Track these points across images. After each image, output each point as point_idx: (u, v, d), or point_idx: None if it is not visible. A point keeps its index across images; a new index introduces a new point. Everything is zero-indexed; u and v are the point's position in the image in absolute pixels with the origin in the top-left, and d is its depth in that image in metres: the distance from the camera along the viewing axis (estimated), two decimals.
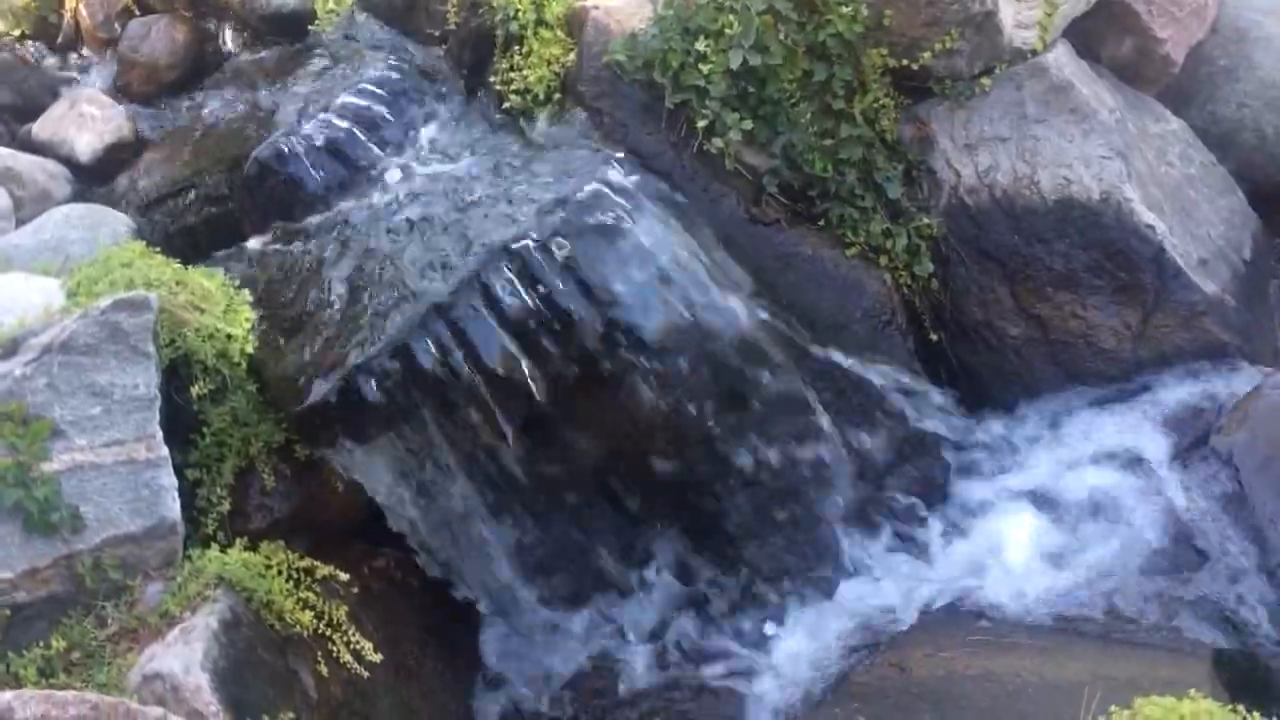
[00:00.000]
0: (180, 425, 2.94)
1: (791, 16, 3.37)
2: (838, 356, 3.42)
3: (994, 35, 3.40)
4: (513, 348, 3.03)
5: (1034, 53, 3.49)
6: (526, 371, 3.03)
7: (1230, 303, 3.44)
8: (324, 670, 2.80)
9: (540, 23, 3.61)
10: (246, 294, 3.21)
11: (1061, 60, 3.50)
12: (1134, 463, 3.24)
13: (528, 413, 3.13)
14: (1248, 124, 3.91)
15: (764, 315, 3.29)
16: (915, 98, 3.59)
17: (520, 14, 3.61)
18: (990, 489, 3.34)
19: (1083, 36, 3.67)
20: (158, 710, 2.31)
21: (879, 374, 3.45)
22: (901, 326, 3.51)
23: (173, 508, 2.72)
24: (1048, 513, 3.19)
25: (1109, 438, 3.30)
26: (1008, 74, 3.50)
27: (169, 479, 2.74)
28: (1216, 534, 2.98)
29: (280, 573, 2.82)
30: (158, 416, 2.76)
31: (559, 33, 3.61)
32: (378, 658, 2.89)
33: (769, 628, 3.25)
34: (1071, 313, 3.44)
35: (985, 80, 3.50)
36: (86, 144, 4.27)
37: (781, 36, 3.36)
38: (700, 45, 3.36)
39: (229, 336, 2.99)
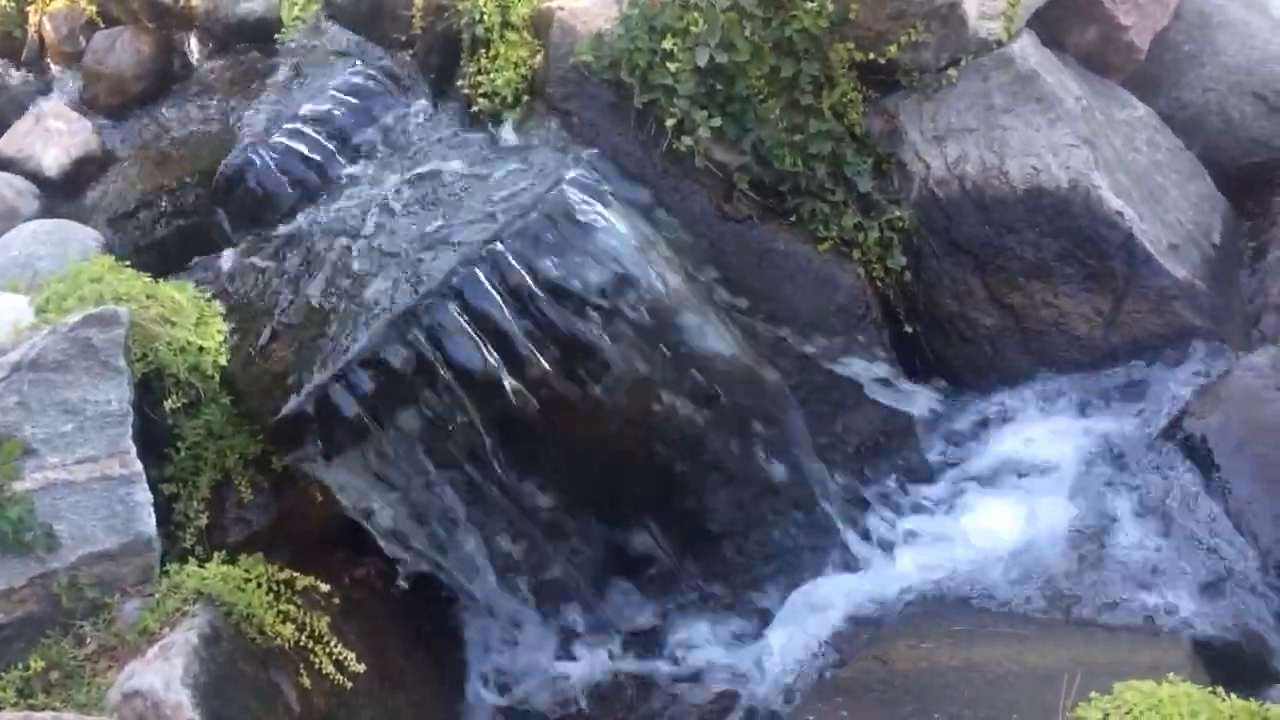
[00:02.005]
0: (154, 440, 2.93)
1: (757, 13, 3.37)
2: (814, 350, 3.43)
3: (959, 27, 3.41)
4: (489, 352, 3.02)
5: (999, 43, 3.50)
6: (503, 376, 3.02)
7: (1201, 287, 3.47)
8: (306, 682, 2.78)
9: (506, 25, 3.61)
10: (218, 306, 3.20)
11: (1027, 50, 3.51)
12: (1110, 447, 3.26)
13: (506, 417, 3.12)
14: (1213, 108, 3.93)
15: (736, 310, 3.29)
16: (883, 91, 3.59)
17: (486, 17, 3.61)
18: (968, 478, 3.35)
19: (1047, 26, 3.69)
20: None
21: (856, 366, 3.46)
22: (876, 320, 3.52)
23: (148, 523, 2.70)
24: (1026, 500, 3.21)
25: (1084, 423, 3.33)
26: (974, 65, 3.51)
27: (144, 494, 2.72)
28: (1192, 517, 2.99)
29: (260, 585, 2.80)
30: (131, 432, 2.75)
31: (525, 35, 3.61)
32: (361, 668, 2.88)
33: (753, 625, 3.26)
34: (1043, 301, 3.46)
35: (952, 72, 3.51)
36: (53, 159, 4.24)
37: (748, 33, 3.36)
38: (667, 44, 3.36)
39: (201, 349, 2.98)
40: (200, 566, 2.75)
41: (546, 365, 3.11)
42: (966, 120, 3.51)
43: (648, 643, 3.32)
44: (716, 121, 3.38)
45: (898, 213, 3.54)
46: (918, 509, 3.34)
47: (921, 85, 3.55)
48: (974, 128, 3.50)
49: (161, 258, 3.62)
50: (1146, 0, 3.73)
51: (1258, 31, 4.01)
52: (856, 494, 3.37)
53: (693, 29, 3.35)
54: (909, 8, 3.36)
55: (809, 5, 3.36)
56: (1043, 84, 3.47)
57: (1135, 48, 3.80)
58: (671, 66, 3.36)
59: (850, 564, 3.32)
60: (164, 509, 2.89)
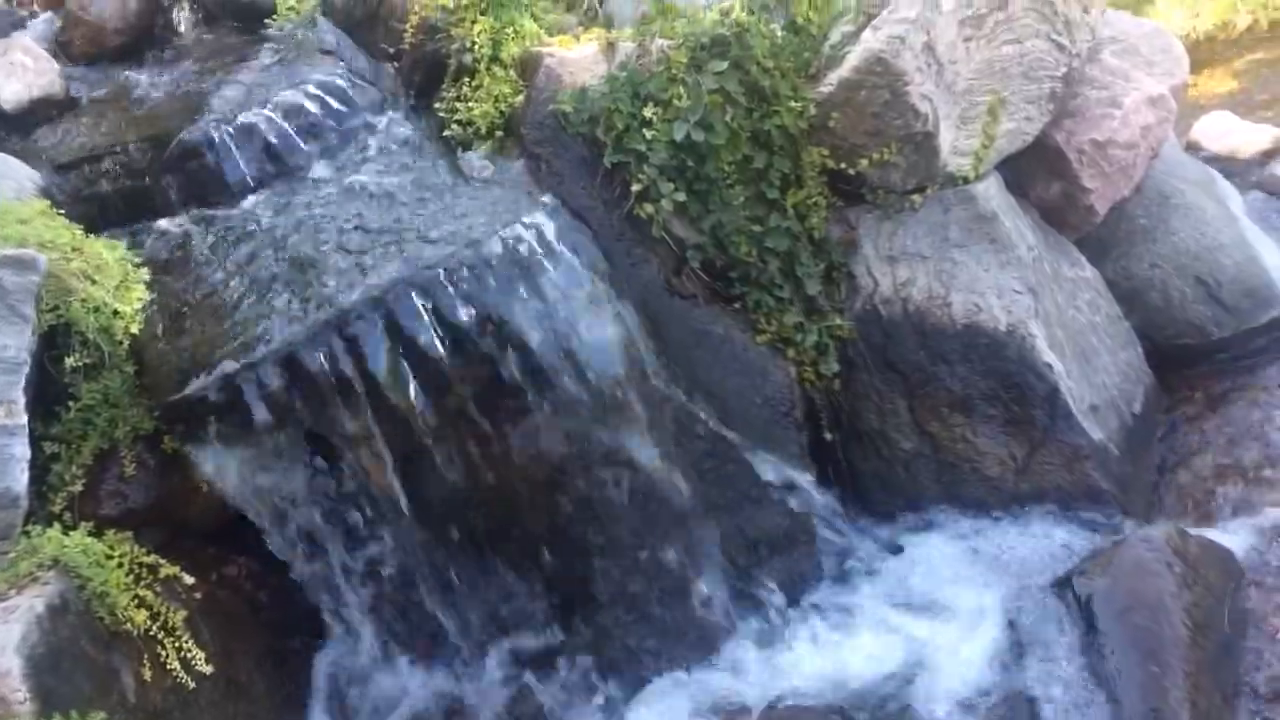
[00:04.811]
0: (46, 395, 2.84)
1: (741, 101, 3.41)
2: (731, 438, 3.43)
3: (930, 156, 3.49)
4: (407, 374, 2.97)
5: (966, 180, 3.58)
6: (416, 400, 2.97)
7: (1114, 452, 3.53)
8: (148, 674, 2.69)
9: (495, 59, 3.62)
10: (144, 273, 3.12)
11: (990, 191, 3.60)
12: (999, 592, 3.27)
13: (411, 442, 3.07)
14: (1156, 284, 4.04)
15: (662, 384, 3.28)
16: (847, 201, 3.65)
17: (477, 47, 3.62)
18: (855, 595, 3.35)
19: (1015, 173, 3.79)
20: None
21: (768, 463, 3.46)
22: (798, 421, 3.54)
23: (20, 480, 2.61)
24: (904, 629, 3.21)
25: (976, 563, 3.35)
26: (938, 195, 3.58)
27: (22, 449, 2.63)
28: (1065, 675, 3.01)
29: (121, 565, 2.71)
30: (23, 383, 2.66)
31: (511, 73, 3.62)
32: (208, 669, 2.80)
33: (616, 701, 3.20)
34: (962, 435, 3.50)
35: (916, 197, 3.58)
36: (13, 93, 4.13)
37: (728, 118, 3.40)
38: (648, 111, 3.39)
39: (116, 313, 2.90)
40: (64, 534, 2.66)
41: (466, 399, 3.07)
42: (921, 246, 3.57)
43: (505, 696, 3.23)
44: (681, 196, 3.41)
45: (839, 321, 3.58)
46: (800, 619, 3.33)
47: (885, 204, 3.61)
48: (927, 255, 3.56)
49: (100, 213, 3.53)
50: (1112, 169, 3.84)
51: (1212, 220, 4.15)
52: (743, 590, 3.35)
53: (676, 102, 3.39)
54: (887, 128, 3.43)
55: (792, 104, 3.42)
56: (1000, 226, 3.55)
57: (1094, 210, 3.91)
58: (648, 134, 3.38)
59: (726, 656, 3.28)
60: (41, 467, 2.80)
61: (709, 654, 3.30)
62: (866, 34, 3.37)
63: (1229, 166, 5.01)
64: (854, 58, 3.38)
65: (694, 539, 3.31)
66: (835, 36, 3.47)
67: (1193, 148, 5.27)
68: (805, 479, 3.51)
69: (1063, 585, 3.15)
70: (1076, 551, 3.30)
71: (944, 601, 3.29)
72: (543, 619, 3.32)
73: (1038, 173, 3.85)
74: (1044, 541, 3.37)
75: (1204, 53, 6.99)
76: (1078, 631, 3.06)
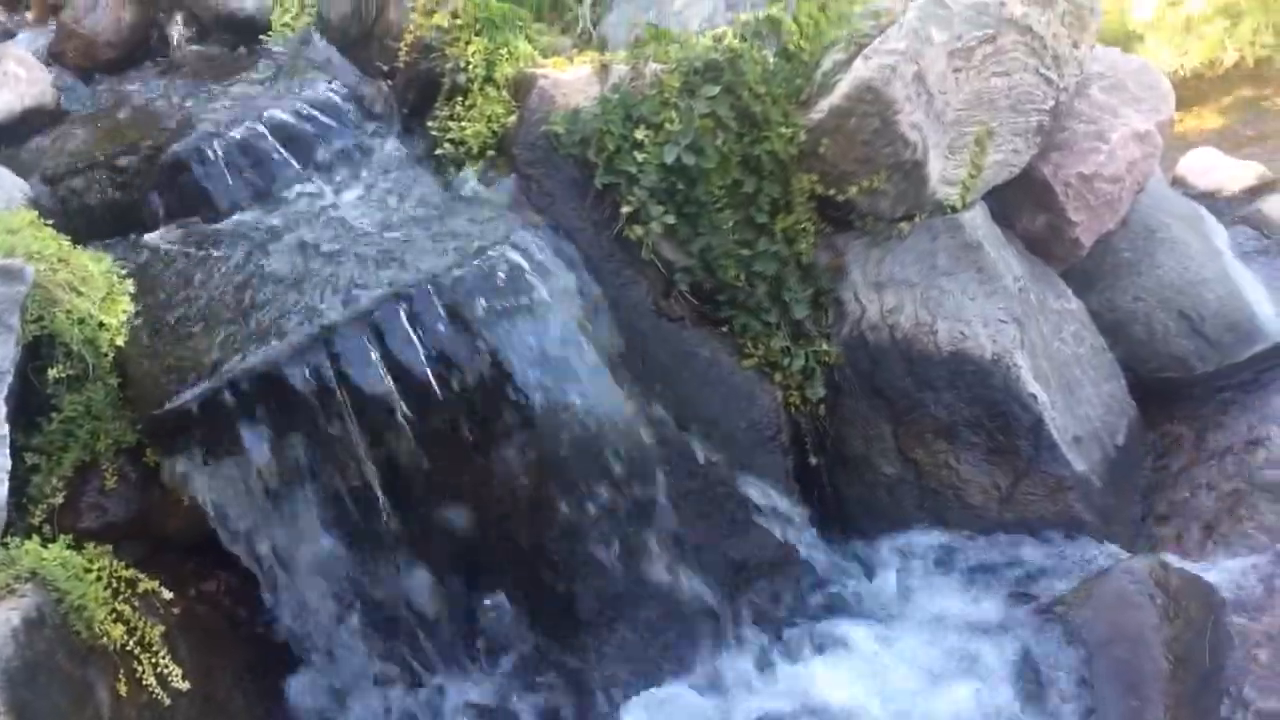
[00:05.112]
0: (29, 406, 2.82)
1: (732, 125, 3.43)
2: (717, 461, 3.43)
3: (919, 184, 3.51)
4: (393, 392, 2.97)
5: (953, 209, 3.60)
6: (402, 419, 2.97)
7: (1096, 484, 3.54)
8: (124, 690, 2.66)
9: (488, 80, 3.64)
10: (130, 285, 3.11)
11: (977, 221, 3.62)
12: (979, 622, 3.27)
13: (396, 461, 3.06)
14: (1140, 318, 4.06)
15: (649, 407, 3.28)
16: (836, 227, 3.66)
17: (470, 67, 3.64)
18: (837, 620, 3.33)
19: (1002, 204, 3.80)
20: None
21: (754, 487, 3.46)
22: (784, 445, 3.54)
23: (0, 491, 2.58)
24: (884, 655, 3.20)
25: (960, 593, 3.34)
26: (926, 223, 3.60)
27: (3, 459, 2.62)
28: (1049, 706, 3.01)
29: (100, 579, 2.69)
30: (5, 393, 2.65)
31: (504, 93, 3.63)
32: (185, 685, 2.77)
33: None
34: (945, 463, 3.50)
35: (904, 225, 3.59)
36: (4, 103, 4.12)
37: (719, 142, 3.42)
38: (639, 134, 3.40)
39: (101, 324, 2.89)
40: (42, 546, 2.63)
41: (451, 418, 3.07)
42: (909, 274, 3.59)
43: (488, 715, 3.22)
44: (671, 219, 3.42)
45: (826, 346, 3.59)
46: (783, 643, 3.31)
47: (873, 231, 3.62)
48: (914, 282, 3.58)
49: (88, 224, 3.53)
50: (1097, 202, 3.87)
51: (1195, 254, 4.17)
52: (726, 614, 3.34)
53: (668, 126, 3.41)
54: (877, 156, 3.44)
55: (783, 130, 3.44)
56: (986, 256, 3.57)
57: (1079, 243, 3.93)
58: (639, 156, 3.40)
59: (707, 680, 3.26)
60: (21, 479, 2.77)
61: (692, 676, 3.29)
62: (858, 63, 3.39)
63: (1214, 202, 5.05)
64: (845, 85, 3.40)
65: (677, 562, 3.30)
66: (827, 64, 3.50)
67: (1179, 183, 5.32)
68: (790, 503, 3.51)
69: (1047, 613, 3.15)
70: (1058, 583, 3.30)
71: (924, 628, 3.29)
72: (526, 638, 3.30)
73: (1024, 204, 3.88)
74: (1025, 571, 3.37)
75: (1191, 89, 7.06)
76: (1061, 661, 3.05)
